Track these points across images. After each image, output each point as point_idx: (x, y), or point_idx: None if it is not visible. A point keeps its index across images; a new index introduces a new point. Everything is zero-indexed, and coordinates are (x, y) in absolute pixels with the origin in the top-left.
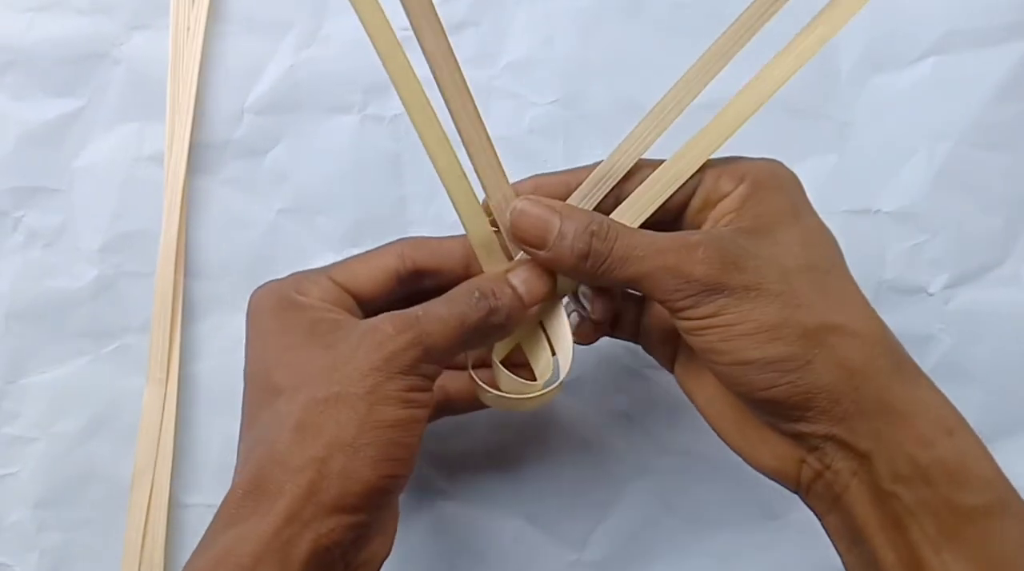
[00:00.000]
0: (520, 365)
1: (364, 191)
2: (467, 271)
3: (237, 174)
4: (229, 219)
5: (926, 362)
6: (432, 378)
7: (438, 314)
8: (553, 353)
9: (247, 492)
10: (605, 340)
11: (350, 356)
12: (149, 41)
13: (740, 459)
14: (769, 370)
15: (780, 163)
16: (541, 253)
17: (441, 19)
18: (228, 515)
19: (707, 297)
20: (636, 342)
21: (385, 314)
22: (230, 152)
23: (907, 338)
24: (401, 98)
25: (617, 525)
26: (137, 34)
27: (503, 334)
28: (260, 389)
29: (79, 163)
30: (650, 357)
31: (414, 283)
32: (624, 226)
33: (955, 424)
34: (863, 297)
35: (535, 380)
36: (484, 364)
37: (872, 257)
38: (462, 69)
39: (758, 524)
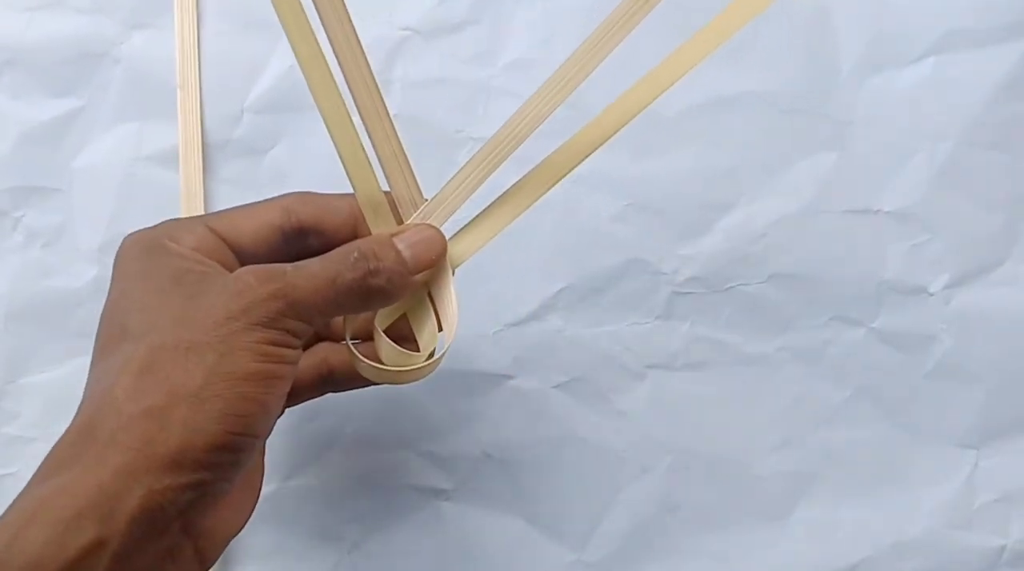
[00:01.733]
0: (403, 339)
1: None
2: (355, 233)
3: (237, 174)
4: None
5: (927, 362)
6: (298, 336)
7: (310, 270)
8: (440, 327)
9: (75, 439)
10: (604, 340)
11: (206, 304)
12: (149, 40)
13: (741, 459)
14: None
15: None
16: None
17: (439, 23)
18: (52, 462)
19: None
20: None
21: (251, 266)
22: (230, 152)
23: (908, 338)
24: (297, 57)
25: (617, 525)
26: (137, 34)
27: (385, 300)
28: (109, 332)
29: (79, 163)
30: (650, 357)
31: (299, 241)
32: None
33: None
34: None
35: (418, 352)
36: (368, 337)
37: (872, 257)
38: (365, 52)
39: (758, 524)
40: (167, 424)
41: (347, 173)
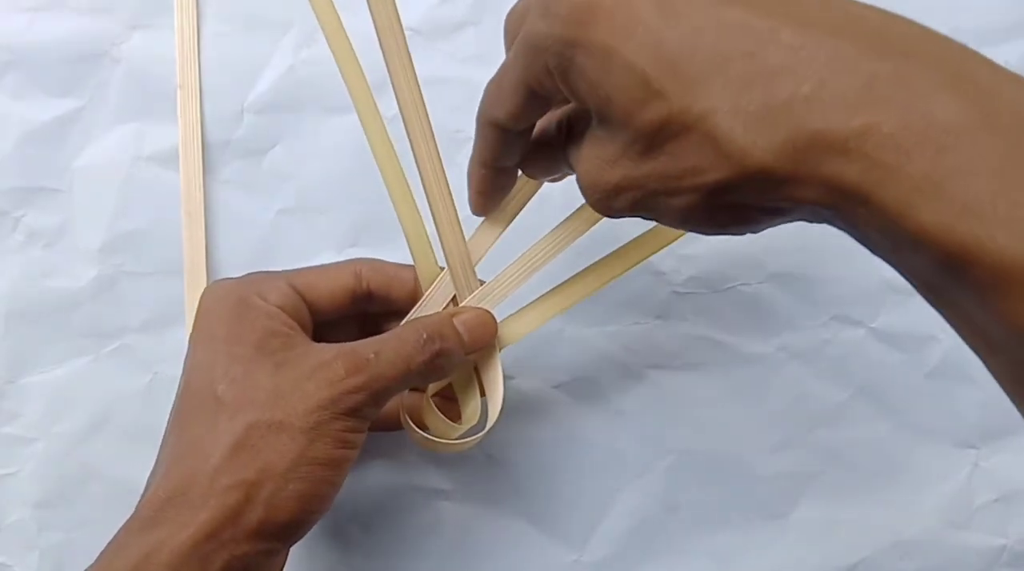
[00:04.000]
0: (451, 399)
1: (364, 191)
2: (415, 300)
3: (237, 174)
4: (229, 219)
5: (927, 362)
6: (370, 420)
7: (388, 358)
8: (483, 397)
9: (170, 497)
10: (604, 340)
11: (298, 386)
12: (149, 40)
13: (741, 459)
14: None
15: None
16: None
17: (440, 23)
18: (148, 517)
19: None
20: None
21: (337, 347)
22: (230, 152)
23: (908, 338)
24: (370, 144)
25: (617, 525)
26: (137, 34)
27: (441, 377)
28: (199, 397)
29: (79, 163)
30: (650, 357)
31: (365, 303)
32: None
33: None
34: None
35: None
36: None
37: (872, 257)
38: (431, 122)
39: (758, 524)
40: (254, 498)
41: (410, 249)
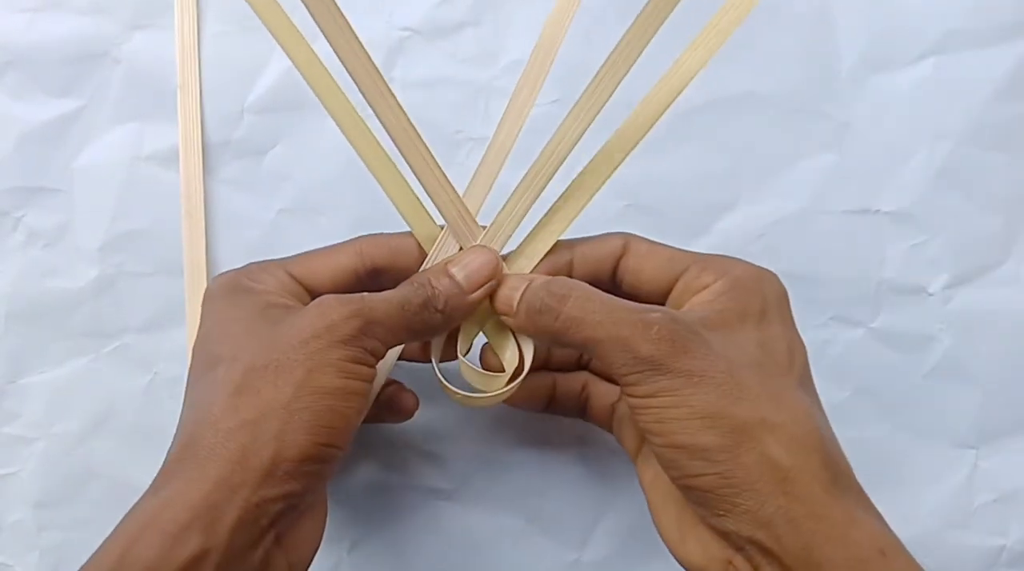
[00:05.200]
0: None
1: (364, 191)
2: (420, 266)
3: (237, 174)
4: (229, 219)
5: (926, 362)
6: (375, 356)
7: (382, 296)
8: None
9: (179, 458)
10: None
11: (293, 327)
12: (149, 41)
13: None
14: (698, 458)
15: (770, 272)
16: (511, 319)
17: (440, 23)
18: (160, 476)
19: (650, 376)
20: (603, 426)
21: (329, 294)
22: (230, 152)
23: (907, 338)
24: (340, 127)
25: (617, 525)
26: (137, 34)
27: (448, 322)
28: (202, 360)
29: (79, 163)
30: None
31: (373, 281)
32: (588, 287)
33: (888, 544)
34: (812, 406)
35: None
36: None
37: (872, 257)
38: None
39: None
40: (260, 436)
41: (402, 216)
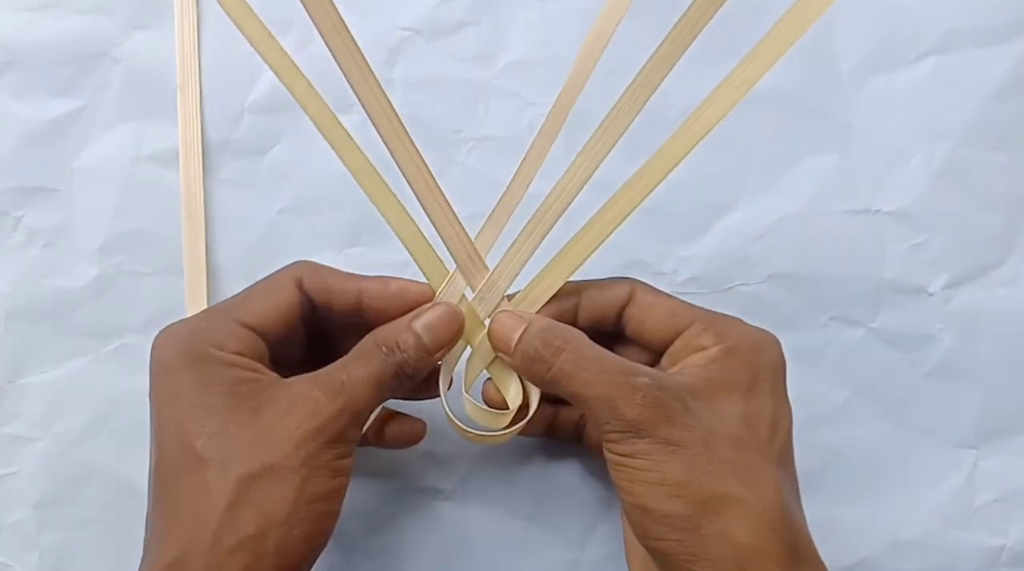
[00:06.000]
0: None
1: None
2: (357, 314)
3: (237, 174)
4: (229, 219)
5: (926, 362)
6: (355, 443)
7: (359, 376)
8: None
9: (171, 566)
10: None
11: (280, 425)
12: (149, 40)
13: None
14: (662, 523)
15: (770, 337)
16: (508, 358)
17: (440, 23)
18: None
19: (631, 437)
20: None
21: (308, 378)
22: (230, 152)
23: (907, 338)
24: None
25: (617, 525)
26: (137, 34)
27: (411, 383)
28: (179, 457)
29: (79, 163)
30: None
31: (313, 312)
32: (584, 341)
33: None
34: (783, 481)
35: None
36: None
37: (872, 257)
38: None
39: None
40: (262, 552)
41: (417, 264)
